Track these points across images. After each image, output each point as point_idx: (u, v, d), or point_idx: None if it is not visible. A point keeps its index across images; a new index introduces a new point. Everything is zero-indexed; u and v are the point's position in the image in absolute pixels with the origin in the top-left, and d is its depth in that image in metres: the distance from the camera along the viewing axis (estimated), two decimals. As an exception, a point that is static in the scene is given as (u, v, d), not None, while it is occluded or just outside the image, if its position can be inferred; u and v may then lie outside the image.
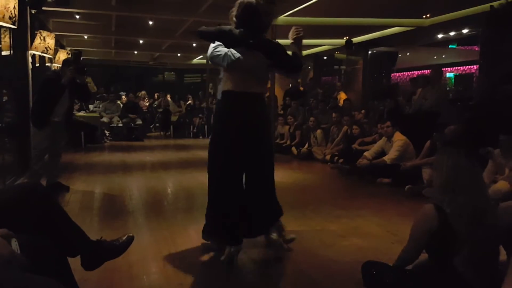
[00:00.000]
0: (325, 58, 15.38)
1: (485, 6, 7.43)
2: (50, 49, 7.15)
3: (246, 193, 3.37)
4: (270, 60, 3.32)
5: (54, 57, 8.53)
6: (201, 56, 15.90)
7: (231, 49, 3.23)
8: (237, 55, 3.21)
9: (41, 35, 7.04)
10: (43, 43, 7.02)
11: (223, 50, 3.25)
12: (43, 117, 5.41)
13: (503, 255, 2.30)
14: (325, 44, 13.13)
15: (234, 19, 3.39)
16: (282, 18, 8.88)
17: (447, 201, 2.22)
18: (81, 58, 6.11)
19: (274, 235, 3.47)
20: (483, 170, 4.63)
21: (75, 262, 2.37)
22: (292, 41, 3.56)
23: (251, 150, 3.30)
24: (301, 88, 13.05)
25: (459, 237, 2.17)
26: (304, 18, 9.03)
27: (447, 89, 14.94)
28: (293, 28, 3.60)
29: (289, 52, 3.47)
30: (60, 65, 9.00)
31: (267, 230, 3.48)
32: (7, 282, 1.08)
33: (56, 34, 8.01)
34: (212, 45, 3.35)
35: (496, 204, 3.24)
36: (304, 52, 14.67)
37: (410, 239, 2.36)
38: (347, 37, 11.35)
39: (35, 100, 5.65)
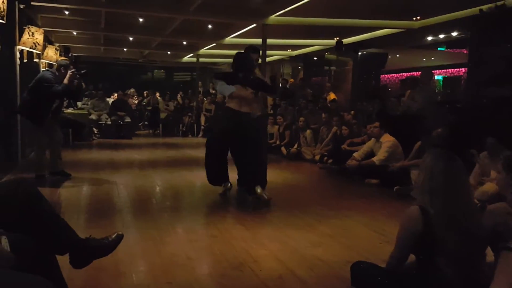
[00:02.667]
0: (315, 58, 15.40)
1: (475, 10, 7.50)
2: (38, 44, 7.07)
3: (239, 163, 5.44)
4: (255, 90, 5.24)
5: (42, 53, 8.43)
6: (191, 55, 15.82)
7: (231, 88, 5.19)
8: (231, 91, 5.20)
9: (30, 31, 6.95)
10: (32, 38, 6.93)
11: (225, 86, 5.25)
12: (42, 115, 5.78)
13: (490, 256, 2.32)
14: (315, 44, 13.15)
15: (232, 66, 5.43)
16: (273, 18, 8.88)
17: (428, 202, 2.23)
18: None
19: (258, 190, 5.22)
20: (468, 173, 4.67)
21: (62, 260, 2.34)
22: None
23: (236, 141, 5.26)
24: (287, 86, 13.07)
25: (442, 238, 2.18)
26: (294, 18, 9.04)
27: (436, 91, 15.03)
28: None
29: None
30: (49, 61, 8.98)
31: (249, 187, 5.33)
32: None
33: (44, 30, 7.92)
34: (219, 82, 5.40)
35: (484, 205, 3.28)
36: (294, 52, 14.76)
37: (397, 243, 2.35)
38: (337, 38, 11.37)
39: (33, 97, 5.79)
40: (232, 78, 5.27)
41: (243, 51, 5.57)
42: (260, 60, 9.09)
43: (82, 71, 6.04)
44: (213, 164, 5.45)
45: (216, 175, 5.48)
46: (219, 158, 5.42)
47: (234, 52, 5.62)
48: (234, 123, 5.26)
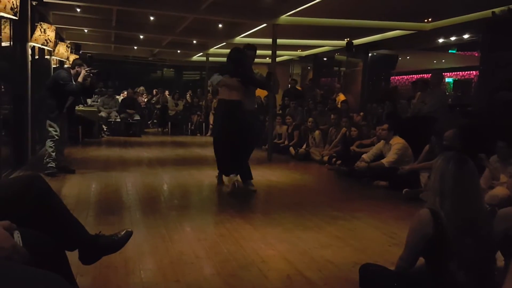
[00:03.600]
0: (325, 59, 15.37)
1: (487, 12, 7.44)
2: (50, 41, 7.09)
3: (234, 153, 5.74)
4: (245, 82, 5.68)
5: (54, 50, 8.48)
6: (201, 54, 15.85)
7: (220, 76, 5.70)
8: (219, 80, 5.70)
9: (42, 27, 6.98)
10: (43, 35, 6.97)
11: (215, 77, 5.80)
12: (59, 111, 6.18)
13: (500, 260, 2.30)
14: (325, 45, 13.11)
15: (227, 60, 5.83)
16: (284, 18, 8.86)
17: (438, 205, 2.21)
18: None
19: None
20: (479, 176, 4.63)
21: (71, 256, 2.35)
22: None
23: (233, 130, 5.61)
24: (299, 88, 13.07)
25: (452, 242, 2.16)
26: (305, 19, 9.02)
27: (446, 94, 14.96)
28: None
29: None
30: (60, 58, 9.04)
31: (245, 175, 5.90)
32: (10, 276, 1.07)
33: (56, 27, 7.96)
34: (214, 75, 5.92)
35: (494, 210, 3.25)
36: (304, 53, 14.74)
37: (406, 245, 2.33)
38: (348, 39, 11.34)
39: (50, 94, 6.21)
40: (224, 70, 5.79)
41: (240, 47, 5.98)
42: (270, 60, 9.12)
43: (96, 70, 6.41)
44: (218, 155, 5.92)
45: (224, 166, 5.93)
46: (220, 149, 5.84)
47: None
48: (224, 111, 5.75)
